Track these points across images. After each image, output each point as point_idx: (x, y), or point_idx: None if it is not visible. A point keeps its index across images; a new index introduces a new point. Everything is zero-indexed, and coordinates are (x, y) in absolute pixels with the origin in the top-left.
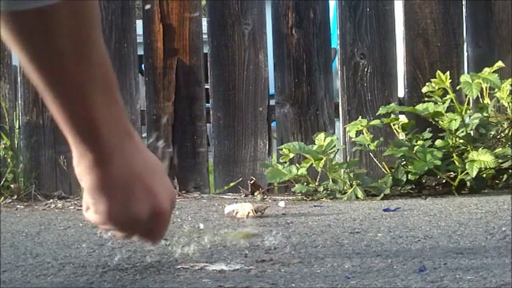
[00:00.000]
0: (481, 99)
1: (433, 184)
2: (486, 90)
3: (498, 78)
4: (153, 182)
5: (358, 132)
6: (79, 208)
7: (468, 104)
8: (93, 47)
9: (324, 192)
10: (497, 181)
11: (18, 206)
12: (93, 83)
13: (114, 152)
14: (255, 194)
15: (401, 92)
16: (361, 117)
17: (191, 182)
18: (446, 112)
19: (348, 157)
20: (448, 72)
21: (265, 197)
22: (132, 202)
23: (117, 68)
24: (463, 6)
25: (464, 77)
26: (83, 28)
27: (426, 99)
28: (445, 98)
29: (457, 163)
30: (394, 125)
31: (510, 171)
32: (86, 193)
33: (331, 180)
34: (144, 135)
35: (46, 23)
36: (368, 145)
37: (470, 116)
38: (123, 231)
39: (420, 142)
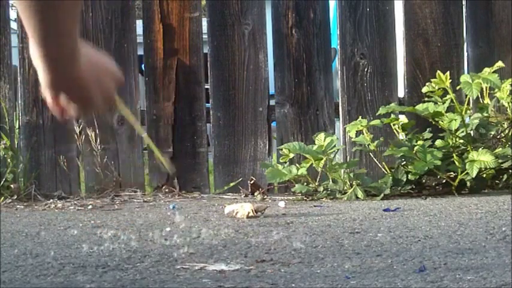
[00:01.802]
0: (481, 99)
1: (433, 184)
2: (486, 90)
3: (498, 78)
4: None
5: (358, 132)
6: (79, 208)
7: (468, 104)
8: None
9: (324, 192)
10: (497, 181)
11: (18, 206)
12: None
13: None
14: (255, 194)
15: (401, 92)
16: (361, 117)
17: (191, 182)
18: (446, 112)
19: (348, 157)
20: (448, 72)
21: (265, 197)
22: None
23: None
24: (463, 6)
25: (464, 77)
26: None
27: (426, 99)
28: (445, 98)
29: (457, 163)
30: (394, 125)
31: (510, 171)
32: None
33: (331, 180)
34: (145, 134)
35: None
36: (368, 145)
37: (470, 116)
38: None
39: (420, 142)
